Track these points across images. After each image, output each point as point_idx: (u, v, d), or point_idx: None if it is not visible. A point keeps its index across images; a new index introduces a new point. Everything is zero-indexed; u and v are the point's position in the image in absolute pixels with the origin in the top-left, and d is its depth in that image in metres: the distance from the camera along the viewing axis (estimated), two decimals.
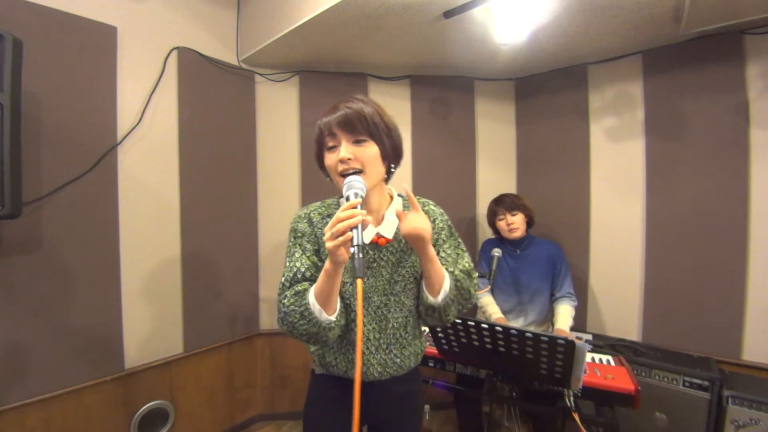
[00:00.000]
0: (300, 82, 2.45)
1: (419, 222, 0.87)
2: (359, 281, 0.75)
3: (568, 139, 2.47)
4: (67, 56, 1.64)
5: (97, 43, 1.73)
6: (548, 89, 2.55)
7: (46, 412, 1.60)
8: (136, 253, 1.86)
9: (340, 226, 0.76)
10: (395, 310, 1.01)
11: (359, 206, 0.80)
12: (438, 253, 1.02)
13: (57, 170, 1.62)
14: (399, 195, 1.09)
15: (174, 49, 2.00)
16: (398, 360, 1.02)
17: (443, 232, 1.05)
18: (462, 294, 0.99)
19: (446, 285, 0.96)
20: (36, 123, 1.55)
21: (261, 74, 2.39)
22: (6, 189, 1.27)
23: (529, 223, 2.13)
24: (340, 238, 0.76)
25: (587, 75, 2.39)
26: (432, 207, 1.08)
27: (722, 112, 1.94)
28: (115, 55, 1.78)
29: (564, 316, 1.97)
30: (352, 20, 1.83)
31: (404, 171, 2.52)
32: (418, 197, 1.10)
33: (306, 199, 2.45)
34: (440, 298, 0.96)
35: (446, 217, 1.08)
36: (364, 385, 1.02)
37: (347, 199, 0.84)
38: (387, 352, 1.01)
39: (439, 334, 1.47)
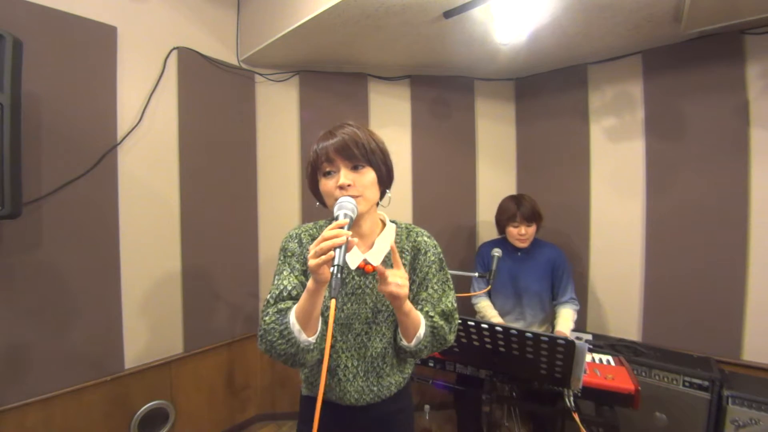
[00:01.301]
0: (300, 82, 2.45)
1: (397, 282, 0.84)
2: (332, 301, 0.74)
3: (568, 139, 2.47)
4: (67, 56, 1.64)
5: (97, 43, 1.73)
6: (548, 89, 2.55)
7: (46, 412, 1.60)
8: (136, 253, 1.86)
9: (324, 245, 0.76)
10: (375, 339, 1.00)
11: (346, 227, 0.80)
12: (426, 289, 1.02)
13: (57, 170, 1.62)
14: (392, 221, 1.08)
15: (174, 49, 2.00)
16: (375, 389, 1.01)
17: (434, 266, 1.03)
18: (437, 339, 0.98)
19: (420, 332, 0.95)
20: (36, 123, 1.55)
21: (261, 74, 2.39)
22: (6, 189, 1.27)
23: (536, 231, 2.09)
24: (323, 257, 0.76)
25: (587, 75, 2.39)
26: (425, 238, 1.06)
27: (722, 112, 1.94)
28: (115, 55, 1.78)
29: (565, 319, 1.96)
30: (352, 20, 1.83)
31: (404, 171, 2.52)
32: (412, 225, 1.09)
33: (306, 200, 2.45)
34: (413, 343, 0.96)
35: (439, 249, 1.07)
36: (348, 407, 1.02)
37: (336, 219, 0.84)
38: (364, 379, 1.00)
39: None
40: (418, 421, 1.97)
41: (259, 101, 2.41)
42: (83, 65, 1.68)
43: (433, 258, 1.04)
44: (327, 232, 0.77)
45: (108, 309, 1.78)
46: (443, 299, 1.01)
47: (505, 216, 2.07)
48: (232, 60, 2.28)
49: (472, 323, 1.34)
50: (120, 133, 1.80)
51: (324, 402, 1.02)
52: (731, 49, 1.91)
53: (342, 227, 0.79)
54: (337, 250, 0.76)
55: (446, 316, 1.00)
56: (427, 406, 2.15)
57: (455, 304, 1.03)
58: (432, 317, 0.98)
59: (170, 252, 2.01)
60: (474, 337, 1.39)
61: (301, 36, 1.98)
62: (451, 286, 1.05)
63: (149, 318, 1.93)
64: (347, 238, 0.77)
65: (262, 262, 2.44)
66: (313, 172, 0.98)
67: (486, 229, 2.64)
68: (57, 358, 1.62)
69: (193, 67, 2.08)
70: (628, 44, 2.12)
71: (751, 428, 1.61)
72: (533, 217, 2.01)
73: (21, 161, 1.33)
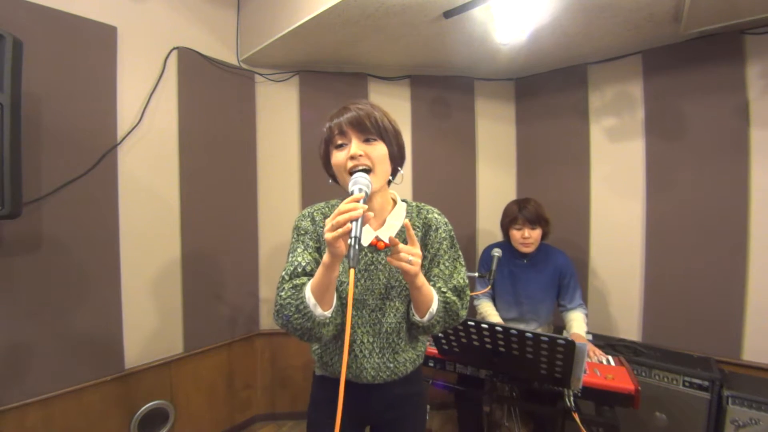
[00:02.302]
0: (300, 82, 2.45)
1: (408, 258, 0.84)
2: (351, 271, 0.75)
3: (568, 139, 2.47)
4: (67, 56, 1.64)
5: (97, 43, 1.73)
6: (548, 89, 2.55)
7: (46, 412, 1.60)
8: (136, 253, 1.86)
9: (341, 218, 0.77)
10: (389, 314, 1.01)
11: (362, 201, 0.81)
12: (438, 265, 1.02)
13: (57, 170, 1.62)
14: (403, 200, 1.09)
15: (174, 49, 2.00)
16: (391, 365, 1.02)
17: (445, 243, 1.04)
18: (450, 315, 1.00)
19: (433, 307, 0.96)
20: (36, 123, 1.55)
21: (261, 74, 2.39)
22: (6, 189, 1.27)
23: (543, 236, 2.01)
24: (339, 230, 0.76)
25: (587, 75, 2.39)
26: (436, 215, 1.07)
27: (722, 112, 1.94)
28: (115, 55, 1.78)
29: (579, 321, 1.90)
30: (352, 20, 1.83)
31: (404, 171, 2.51)
32: (422, 204, 1.10)
33: (306, 199, 2.45)
34: (426, 318, 0.97)
35: (450, 227, 1.07)
36: (364, 386, 1.02)
37: (351, 194, 0.84)
38: (380, 356, 1.01)
39: (439, 334, 1.47)
40: None
41: (259, 101, 2.41)
42: (83, 65, 1.68)
43: (443, 234, 1.04)
44: (343, 205, 0.78)
45: (108, 309, 1.78)
46: (455, 275, 1.03)
47: (507, 218, 2.02)
48: (232, 60, 2.28)
49: (472, 323, 1.34)
50: (120, 133, 1.80)
51: (338, 381, 1.02)
52: (731, 49, 1.91)
53: (357, 201, 0.80)
54: (354, 222, 0.76)
55: (458, 291, 1.01)
56: (427, 406, 2.15)
57: (467, 281, 1.04)
58: (444, 293, 0.99)
59: (170, 252, 2.01)
60: (474, 337, 1.39)
61: (301, 36, 1.98)
62: (463, 263, 1.06)
63: (149, 318, 1.93)
64: (363, 212, 0.78)
65: (262, 261, 2.44)
66: (327, 147, 0.99)
67: (486, 229, 2.64)
68: (57, 358, 1.62)
69: (193, 67, 2.08)
70: (628, 44, 2.12)
71: (751, 428, 1.61)
72: (537, 220, 1.94)
73: (21, 161, 1.33)
